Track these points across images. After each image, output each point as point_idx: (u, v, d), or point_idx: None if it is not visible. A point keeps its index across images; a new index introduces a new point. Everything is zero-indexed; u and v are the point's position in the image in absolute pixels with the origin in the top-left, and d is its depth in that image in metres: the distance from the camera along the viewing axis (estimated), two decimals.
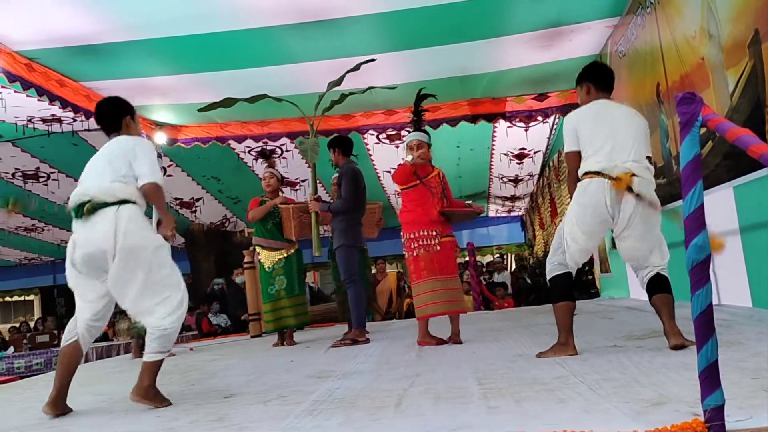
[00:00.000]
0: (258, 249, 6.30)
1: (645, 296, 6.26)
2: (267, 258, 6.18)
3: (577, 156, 3.49)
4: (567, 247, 3.46)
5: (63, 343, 3.37)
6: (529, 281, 11.64)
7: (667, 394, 2.22)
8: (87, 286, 3.27)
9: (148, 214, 3.34)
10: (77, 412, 3.42)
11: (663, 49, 5.45)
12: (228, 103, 6.24)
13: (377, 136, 9.56)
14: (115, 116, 3.51)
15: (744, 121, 3.93)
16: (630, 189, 3.25)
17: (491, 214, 16.03)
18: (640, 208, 3.28)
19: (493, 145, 10.67)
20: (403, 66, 7.24)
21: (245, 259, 7.98)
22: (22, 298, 19.50)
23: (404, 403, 2.64)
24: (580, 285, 9.33)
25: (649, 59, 5.84)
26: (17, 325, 15.08)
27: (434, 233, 4.72)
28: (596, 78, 3.65)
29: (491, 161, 11.58)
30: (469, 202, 4.92)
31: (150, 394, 3.24)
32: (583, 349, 3.52)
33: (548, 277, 3.55)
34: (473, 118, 8.81)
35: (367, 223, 6.17)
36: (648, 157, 3.45)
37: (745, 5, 3.94)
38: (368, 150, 10.15)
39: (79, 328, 3.32)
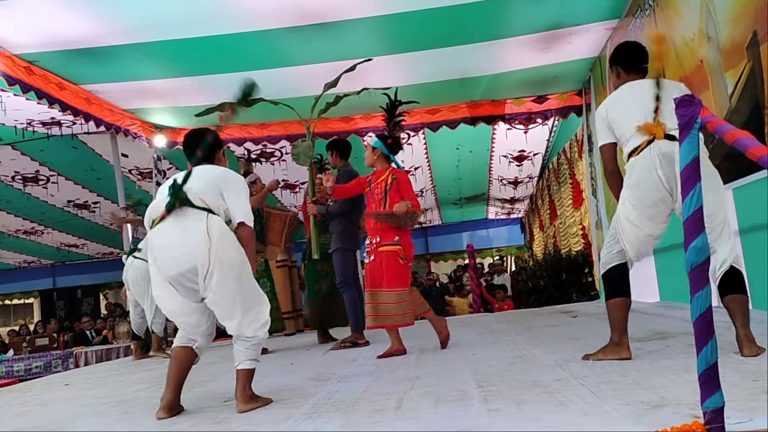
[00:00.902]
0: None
1: (644, 298, 6.29)
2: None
3: (612, 148, 3.29)
4: (624, 235, 3.17)
5: (177, 344, 3.19)
6: (528, 283, 11.63)
7: (667, 397, 2.22)
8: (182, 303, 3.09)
9: None
10: (77, 414, 3.42)
11: (662, 51, 5.46)
12: (225, 107, 6.24)
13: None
14: (212, 149, 3.34)
15: (743, 123, 3.93)
16: (672, 137, 2.93)
17: (491, 216, 16.04)
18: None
19: (493, 147, 10.69)
20: (402, 68, 7.24)
21: (278, 258, 7.92)
22: (21, 301, 19.49)
23: (404, 405, 2.64)
24: (580, 287, 9.34)
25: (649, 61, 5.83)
26: (17, 328, 15.07)
27: (373, 242, 4.63)
28: (624, 59, 3.39)
29: (491, 163, 11.60)
30: (407, 202, 4.51)
31: (255, 398, 3.07)
32: (583, 351, 3.51)
33: (602, 271, 3.29)
34: (473, 120, 8.82)
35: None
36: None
37: (743, 7, 3.95)
38: None
39: (200, 341, 3.18)
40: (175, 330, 7.01)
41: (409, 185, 4.76)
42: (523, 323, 5.96)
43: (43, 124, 7.89)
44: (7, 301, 19.03)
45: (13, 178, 9.98)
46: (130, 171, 10.35)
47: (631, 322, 4.91)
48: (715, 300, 4.06)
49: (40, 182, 10.21)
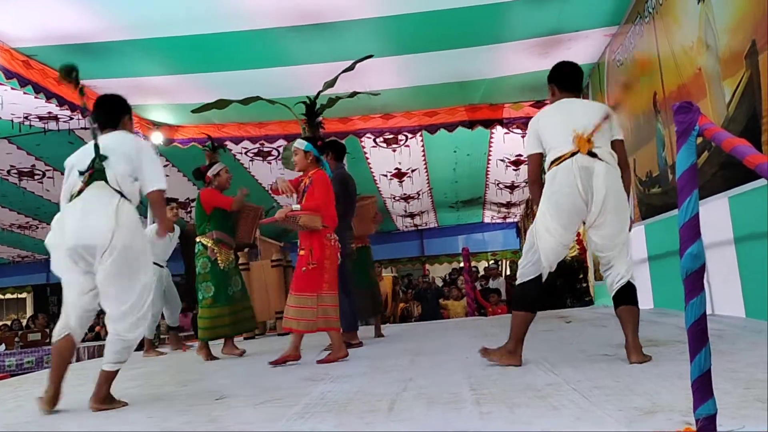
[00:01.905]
0: (212, 245, 5.50)
1: (640, 305, 6.28)
2: (225, 256, 5.57)
3: (538, 158, 3.47)
4: (541, 243, 3.33)
5: (56, 338, 3.34)
6: None
7: (659, 403, 2.22)
8: (79, 277, 3.23)
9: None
10: (69, 411, 3.40)
11: (660, 59, 5.47)
12: (221, 104, 6.24)
13: (374, 140, 9.58)
14: (116, 113, 3.54)
15: (740, 131, 3.94)
16: (593, 154, 3.19)
17: (487, 220, 16.05)
18: (611, 194, 3.17)
19: (490, 151, 10.70)
20: (401, 70, 7.25)
21: (239, 260, 7.91)
22: (14, 296, 19.42)
23: (397, 407, 2.64)
24: (574, 293, 9.35)
25: (647, 68, 5.86)
26: (9, 322, 15.02)
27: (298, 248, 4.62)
28: (559, 78, 3.61)
29: (488, 167, 11.61)
30: (288, 207, 4.44)
31: (109, 400, 3.27)
32: (576, 356, 3.52)
33: (518, 282, 3.46)
34: (471, 124, 8.84)
35: (364, 219, 6.13)
36: (618, 140, 3.38)
37: (742, 17, 3.96)
38: (365, 153, 10.16)
39: (72, 321, 3.29)
40: (168, 329, 7.00)
41: (322, 186, 4.62)
42: None
43: (40, 118, 7.87)
44: (0, 296, 18.97)
45: (8, 172, 9.95)
46: None
47: None
48: (709, 308, 4.08)
49: (36, 177, 10.18)
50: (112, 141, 3.36)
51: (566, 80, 3.60)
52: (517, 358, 3.40)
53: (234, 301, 5.59)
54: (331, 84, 6.00)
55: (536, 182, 3.49)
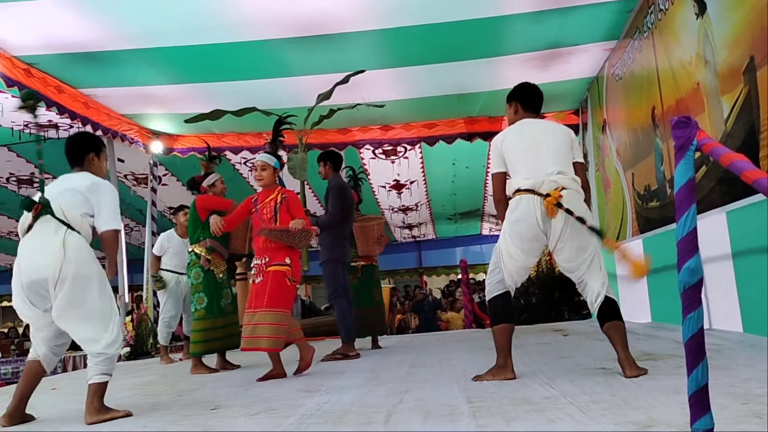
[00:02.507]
0: (205, 254, 5.35)
1: (635, 319, 6.29)
2: (219, 266, 5.43)
3: (502, 177, 3.54)
4: (504, 266, 3.44)
5: (29, 357, 3.42)
6: (521, 300, 11.62)
7: (656, 417, 2.21)
8: (38, 313, 3.27)
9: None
10: (63, 419, 3.39)
11: (659, 74, 5.50)
12: (216, 115, 6.25)
13: (373, 151, 9.60)
14: (80, 152, 3.59)
15: (738, 146, 3.95)
16: (560, 204, 3.26)
17: (485, 232, 16.06)
18: (570, 221, 3.25)
19: (488, 163, 10.70)
20: (401, 82, 7.27)
21: (237, 270, 7.93)
22: (11, 304, 19.34)
23: (393, 419, 2.63)
24: (572, 306, 9.33)
25: (645, 83, 5.88)
26: (6, 330, 14.97)
27: (262, 262, 4.47)
28: (523, 97, 3.69)
29: (486, 179, 11.62)
30: (301, 220, 4.39)
31: (105, 411, 3.24)
32: (573, 370, 3.51)
33: (487, 299, 3.53)
34: (469, 136, 8.86)
35: (368, 240, 6.12)
36: (578, 163, 3.47)
37: (740, 32, 3.98)
38: (364, 165, 10.18)
39: (40, 350, 3.37)
40: (185, 337, 7.00)
41: (299, 204, 4.67)
42: (514, 340, 5.92)
43: (40, 126, 7.87)
44: None
45: (8, 179, 9.96)
46: (125, 176, 10.34)
47: None
48: (706, 322, 4.07)
49: (35, 185, 10.18)
50: (71, 179, 3.48)
51: (530, 99, 3.69)
52: (509, 370, 3.41)
53: (226, 313, 5.44)
54: (326, 96, 6.02)
55: (501, 201, 3.53)
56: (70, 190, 3.35)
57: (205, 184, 5.59)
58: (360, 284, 6.14)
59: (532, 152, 3.41)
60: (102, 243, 3.34)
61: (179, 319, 6.86)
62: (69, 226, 3.22)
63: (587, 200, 3.45)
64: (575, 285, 3.45)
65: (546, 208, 3.27)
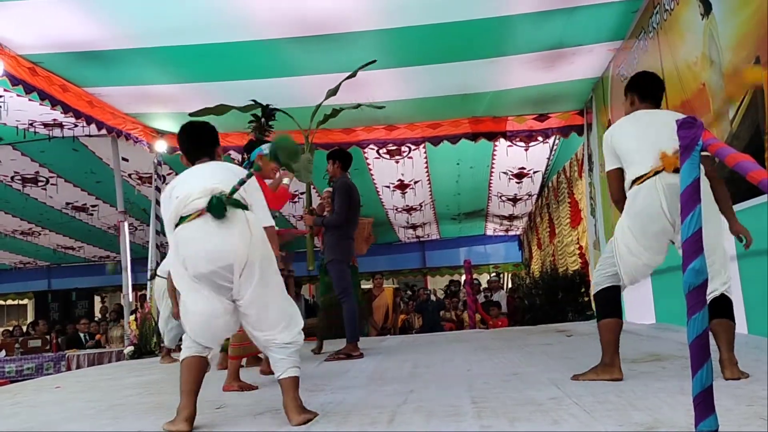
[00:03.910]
0: None
1: (640, 320, 6.27)
2: None
3: (618, 173, 3.29)
4: (622, 261, 3.18)
5: (189, 354, 2.94)
6: (525, 301, 11.63)
7: (661, 419, 2.21)
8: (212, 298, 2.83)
9: None
10: (67, 418, 3.40)
11: (664, 74, 5.48)
12: (221, 110, 6.25)
13: (377, 151, 9.60)
14: (213, 143, 3.21)
15: (744, 147, 3.94)
16: (678, 170, 2.99)
17: (489, 232, 16.05)
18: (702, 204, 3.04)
19: (493, 163, 10.71)
20: (405, 82, 7.27)
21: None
22: (16, 302, 19.43)
23: (397, 419, 2.63)
24: (576, 306, 9.32)
25: None
26: (10, 329, 15.00)
27: None
28: (640, 88, 3.44)
29: (490, 179, 11.62)
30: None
31: (305, 409, 2.86)
32: (578, 371, 3.50)
33: (594, 291, 3.31)
34: (474, 136, 8.85)
35: (357, 239, 6.10)
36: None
37: (746, 33, 3.97)
38: (368, 165, 10.18)
39: (215, 348, 3.01)
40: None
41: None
42: (518, 341, 5.94)
43: (45, 125, 7.90)
44: (1, 302, 18.97)
45: (12, 178, 9.98)
46: (129, 175, 10.35)
47: (626, 343, 4.91)
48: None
49: (40, 183, 10.21)
50: (218, 169, 3.06)
51: (649, 90, 3.42)
52: (617, 370, 3.17)
53: None
54: (333, 92, 6.02)
55: (620, 201, 3.29)
56: (229, 177, 2.89)
57: None
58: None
59: (647, 142, 3.11)
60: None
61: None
62: (246, 207, 2.87)
63: (723, 195, 3.14)
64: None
65: (669, 185, 2.96)
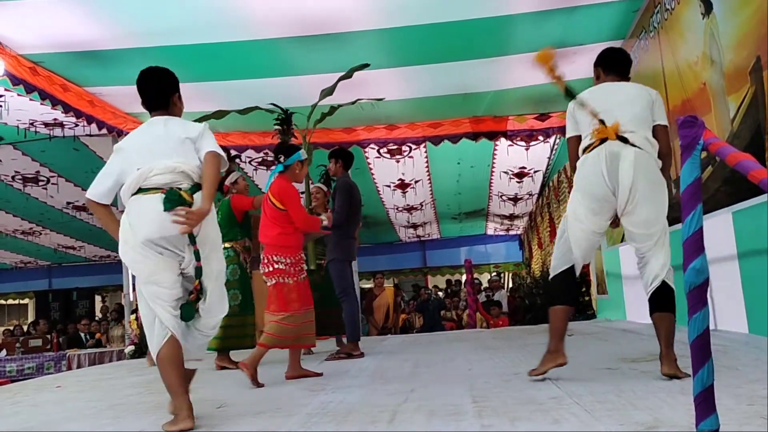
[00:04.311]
0: (243, 252, 5.48)
1: (641, 319, 6.26)
2: (248, 265, 5.56)
3: (576, 141, 3.35)
4: (570, 232, 3.24)
5: (157, 348, 2.87)
6: (525, 300, 11.63)
7: (662, 418, 2.21)
8: (167, 267, 2.86)
9: None
10: (67, 417, 3.40)
11: (665, 73, 5.48)
12: (219, 115, 6.26)
13: (378, 151, 9.59)
14: (164, 92, 3.21)
15: (744, 146, 3.94)
16: (624, 139, 3.06)
17: (489, 232, 16.04)
18: (641, 179, 3.03)
19: (494, 163, 10.71)
20: (405, 82, 7.27)
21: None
22: (16, 302, 19.43)
23: (397, 418, 2.63)
24: (577, 306, 9.30)
25: (651, 83, 5.85)
26: (11, 328, 15.01)
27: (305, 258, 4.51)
28: (604, 61, 3.50)
29: (491, 179, 11.61)
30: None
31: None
32: (579, 370, 3.50)
33: (550, 276, 3.35)
34: (474, 136, 8.84)
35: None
36: (659, 126, 3.21)
37: (747, 32, 3.97)
38: (369, 164, 10.18)
39: (169, 322, 2.86)
40: None
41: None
42: (519, 340, 5.94)
43: (46, 124, 7.90)
44: (1, 301, 18.98)
45: (13, 177, 9.97)
46: None
47: (627, 342, 4.92)
48: (712, 323, 4.03)
49: (40, 183, 10.20)
50: (166, 136, 3.06)
51: (613, 63, 3.49)
52: (560, 355, 3.23)
53: (253, 312, 5.52)
54: (329, 92, 6.02)
55: (575, 168, 3.34)
56: (187, 149, 2.94)
57: (228, 182, 5.64)
58: (326, 283, 6.13)
59: (606, 112, 3.16)
60: (204, 164, 2.92)
61: None
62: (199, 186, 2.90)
63: (666, 167, 3.22)
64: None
65: (610, 154, 3.06)
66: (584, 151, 3.23)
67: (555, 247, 3.37)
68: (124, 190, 2.91)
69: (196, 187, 2.88)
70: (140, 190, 2.86)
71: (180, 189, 2.84)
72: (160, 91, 3.21)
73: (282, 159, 4.40)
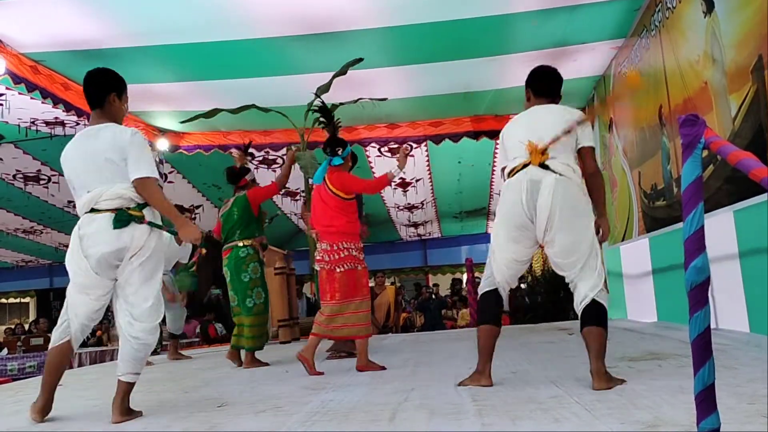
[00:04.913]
0: (258, 246, 5.46)
1: (642, 318, 6.27)
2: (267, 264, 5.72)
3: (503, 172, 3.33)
4: (494, 259, 3.23)
5: (53, 344, 3.28)
6: (526, 299, 11.63)
7: (662, 417, 2.21)
8: (96, 284, 3.15)
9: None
10: (69, 416, 3.40)
11: (666, 72, 5.48)
12: (212, 114, 6.26)
13: (379, 149, 9.59)
14: (99, 91, 3.38)
15: (746, 145, 3.94)
16: (545, 166, 3.04)
17: (491, 230, 16.02)
18: (559, 208, 2.99)
19: (495, 161, 10.69)
20: (406, 80, 7.27)
21: (276, 265, 8.04)
22: (17, 300, 19.45)
23: (398, 417, 2.63)
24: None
25: (653, 82, 5.86)
26: (12, 327, 15.02)
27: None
28: (534, 83, 3.45)
29: (492, 178, 11.61)
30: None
31: (129, 411, 3.17)
32: (579, 369, 3.50)
33: (479, 295, 3.33)
34: (475, 135, 8.85)
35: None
36: (584, 148, 3.18)
37: (749, 31, 3.96)
38: (370, 163, 10.17)
39: (73, 327, 3.23)
40: (170, 336, 6.94)
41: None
42: (520, 339, 5.94)
43: (47, 123, 7.90)
44: (3, 300, 19.00)
45: (14, 176, 9.97)
46: None
47: (628, 341, 4.92)
48: (713, 322, 4.04)
49: (41, 182, 10.19)
50: (105, 141, 3.35)
51: (541, 84, 3.43)
52: (486, 377, 3.22)
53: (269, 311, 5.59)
54: (325, 89, 6.01)
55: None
56: (109, 158, 3.17)
57: (248, 177, 5.61)
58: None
59: (528, 137, 3.14)
60: (142, 191, 3.17)
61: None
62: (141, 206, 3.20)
63: (595, 188, 3.18)
64: (570, 286, 3.23)
65: (530, 184, 3.03)
66: (508, 174, 3.21)
67: (486, 265, 3.34)
68: (79, 207, 3.22)
69: (144, 204, 3.18)
70: (92, 210, 3.15)
71: (129, 209, 3.14)
72: (95, 89, 3.38)
73: (340, 151, 4.54)
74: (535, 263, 14.52)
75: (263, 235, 5.55)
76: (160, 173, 9.00)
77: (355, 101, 6.37)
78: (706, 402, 1.71)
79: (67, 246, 3.22)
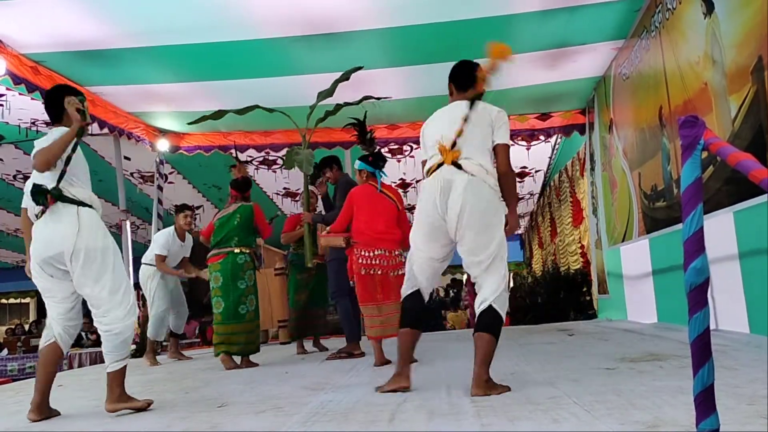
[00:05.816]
0: (253, 255, 5.68)
1: (642, 319, 6.27)
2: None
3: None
4: (412, 257, 3.25)
5: (40, 346, 3.41)
6: (526, 300, 11.62)
7: (662, 417, 2.21)
8: (52, 287, 3.32)
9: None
10: (70, 415, 3.40)
11: (666, 73, 5.48)
12: (218, 115, 6.27)
13: (379, 150, 9.58)
14: (57, 108, 3.51)
15: (746, 146, 3.94)
16: (458, 165, 3.08)
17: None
18: (468, 208, 3.02)
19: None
20: (407, 81, 7.27)
21: (276, 265, 8.15)
22: (18, 301, 19.45)
23: (397, 418, 2.63)
24: (577, 306, 9.31)
25: (653, 82, 5.86)
26: (12, 327, 15.03)
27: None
28: (455, 78, 3.45)
29: None
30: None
31: (124, 399, 3.27)
32: (578, 370, 3.50)
33: (401, 298, 3.34)
34: None
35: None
36: (499, 145, 3.21)
37: (749, 32, 3.97)
38: None
39: (56, 330, 3.35)
40: (170, 334, 6.94)
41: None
42: (519, 340, 5.94)
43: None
44: (3, 300, 19.00)
45: (14, 177, 9.98)
46: (131, 174, 10.36)
47: (627, 342, 4.92)
48: (712, 323, 4.05)
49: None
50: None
51: (460, 80, 3.42)
52: (404, 379, 3.24)
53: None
54: (328, 94, 6.02)
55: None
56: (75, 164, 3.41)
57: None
58: (317, 283, 6.15)
59: (443, 138, 3.19)
60: None
61: (164, 314, 6.75)
62: (81, 203, 3.31)
63: (505, 187, 3.19)
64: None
65: (443, 157, 3.12)
66: (427, 173, 3.26)
67: (407, 266, 3.35)
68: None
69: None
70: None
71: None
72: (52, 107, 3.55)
73: (382, 166, 5.10)
74: (535, 264, 14.54)
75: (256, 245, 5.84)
76: (160, 174, 9.04)
77: (358, 102, 6.36)
78: (706, 403, 1.71)
79: None
